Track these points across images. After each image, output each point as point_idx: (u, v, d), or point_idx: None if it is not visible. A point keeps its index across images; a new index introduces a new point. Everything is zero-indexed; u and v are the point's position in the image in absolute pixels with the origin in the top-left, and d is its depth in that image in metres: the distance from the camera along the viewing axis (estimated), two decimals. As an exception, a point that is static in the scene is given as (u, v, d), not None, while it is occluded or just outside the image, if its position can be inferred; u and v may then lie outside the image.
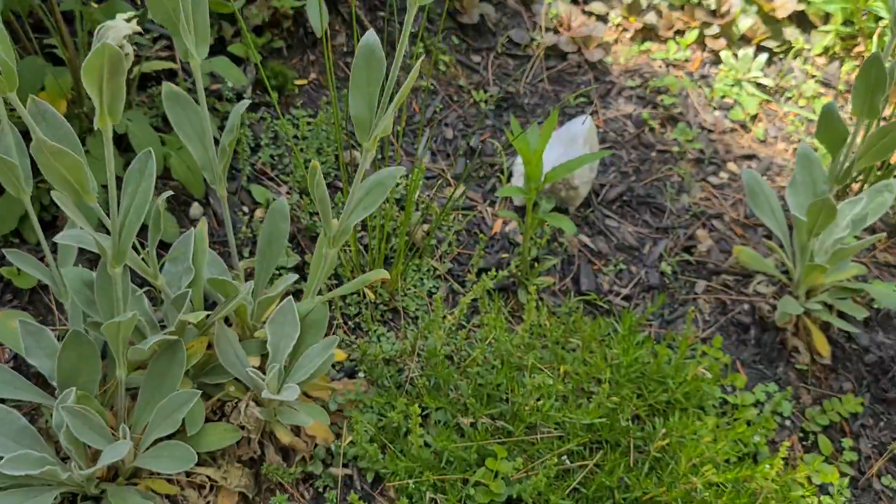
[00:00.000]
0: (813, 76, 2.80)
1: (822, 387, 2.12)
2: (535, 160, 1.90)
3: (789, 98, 2.74)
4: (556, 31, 2.76)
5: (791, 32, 2.85)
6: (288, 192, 2.16)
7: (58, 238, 1.33)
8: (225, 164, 1.60)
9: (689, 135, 2.56)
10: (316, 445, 1.72)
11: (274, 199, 2.08)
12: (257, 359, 1.64)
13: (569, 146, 2.27)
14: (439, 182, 2.34)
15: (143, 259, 1.47)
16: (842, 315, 2.14)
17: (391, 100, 1.29)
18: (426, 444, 1.72)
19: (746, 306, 2.18)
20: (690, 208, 2.40)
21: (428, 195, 2.22)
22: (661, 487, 1.68)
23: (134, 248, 1.46)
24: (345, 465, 1.75)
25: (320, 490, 1.71)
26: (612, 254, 2.28)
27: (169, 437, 1.48)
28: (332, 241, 1.50)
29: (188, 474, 1.58)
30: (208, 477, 1.59)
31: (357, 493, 1.71)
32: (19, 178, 1.44)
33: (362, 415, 1.76)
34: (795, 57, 2.85)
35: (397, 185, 2.26)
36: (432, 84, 2.53)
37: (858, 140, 1.81)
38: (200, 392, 1.46)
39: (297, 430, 1.70)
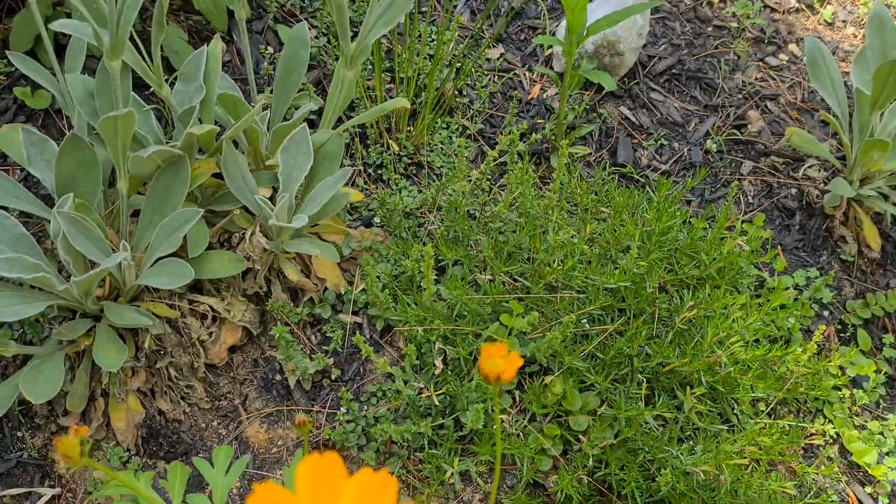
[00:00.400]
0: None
1: (867, 281, 1.99)
2: (579, 7, 1.76)
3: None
4: None
5: None
6: (316, 37, 2.04)
7: (54, 25, 1.25)
8: (243, -20, 1.50)
9: (750, 10, 2.37)
10: (326, 289, 1.66)
11: (300, 42, 1.97)
12: (268, 190, 1.56)
13: (618, 8, 2.10)
14: (469, 37, 2.20)
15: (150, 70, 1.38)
16: (897, 207, 1.99)
17: None
18: (440, 297, 1.65)
19: (794, 190, 2.04)
20: (744, 88, 2.23)
21: (462, 51, 2.09)
22: (684, 359, 1.59)
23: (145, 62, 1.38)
24: (354, 313, 1.68)
25: (328, 335, 1.65)
26: (654, 128, 2.14)
27: (171, 254, 1.42)
28: (350, 62, 1.40)
29: (191, 302, 1.53)
30: (211, 307, 1.53)
31: (365, 339, 1.65)
32: (22, -29, 1.35)
33: (377, 263, 1.69)
34: (877, -62, 2.60)
35: (431, 39, 2.13)
36: (477, -62, 2.37)
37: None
38: (203, 210, 1.40)
39: (306, 271, 1.64)
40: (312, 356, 1.59)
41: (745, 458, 1.58)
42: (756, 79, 2.26)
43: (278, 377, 1.62)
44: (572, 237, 1.66)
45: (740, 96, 2.22)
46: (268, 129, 1.62)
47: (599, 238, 1.77)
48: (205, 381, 1.58)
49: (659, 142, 2.11)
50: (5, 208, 1.46)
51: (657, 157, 2.09)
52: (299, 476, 0.62)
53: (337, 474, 0.62)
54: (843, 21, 2.44)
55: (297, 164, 1.49)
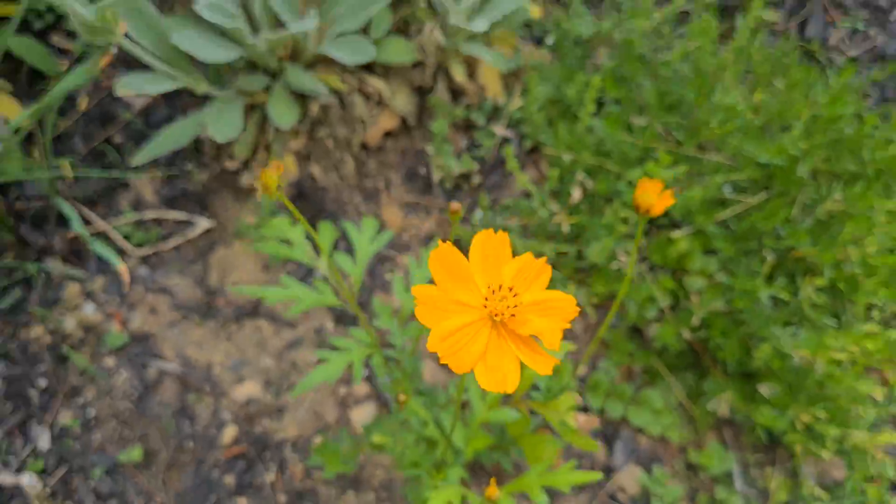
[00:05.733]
0: None
1: None
2: None
3: None
4: None
5: None
6: None
7: None
8: None
9: None
10: (485, 99, 1.71)
11: None
12: (454, -12, 1.58)
13: None
14: None
15: None
16: None
17: None
18: (592, 132, 1.68)
19: (984, 108, 1.91)
20: (966, -15, 2.05)
21: None
22: (814, 248, 1.59)
23: None
24: (509, 126, 1.73)
25: (477, 142, 1.72)
26: (854, 9, 2.01)
27: (354, 35, 1.49)
28: None
29: (360, 81, 1.61)
30: (377, 89, 1.61)
31: (513, 153, 1.71)
32: None
33: (539, 83, 1.72)
34: None
35: None
36: None
37: None
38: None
39: (471, 74, 1.68)
40: (458, 158, 1.67)
41: (843, 354, 1.61)
42: (983, -22, 2.06)
43: (422, 171, 1.71)
44: (739, 102, 1.63)
45: (959, -6, 2.04)
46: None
47: (765, 110, 1.73)
48: (356, 158, 1.68)
49: (855, 24, 1.99)
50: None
51: (847, 40, 1.98)
52: (475, 246, 0.70)
53: (503, 250, 0.70)
54: None
55: (489, -32, 1.50)
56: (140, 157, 1.45)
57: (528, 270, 0.69)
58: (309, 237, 1.44)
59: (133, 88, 1.27)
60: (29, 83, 1.74)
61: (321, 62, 1.58)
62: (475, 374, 0.65)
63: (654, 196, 0.90)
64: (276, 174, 0.86)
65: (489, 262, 0.69)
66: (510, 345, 0.66)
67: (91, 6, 1.13)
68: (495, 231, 0.72)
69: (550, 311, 0.68)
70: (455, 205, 1.08)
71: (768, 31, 1.96)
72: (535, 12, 1.68)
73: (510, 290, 0.66)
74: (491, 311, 0.65)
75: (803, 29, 1.97)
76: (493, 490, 0.98)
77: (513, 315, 0.65)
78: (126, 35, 1.29)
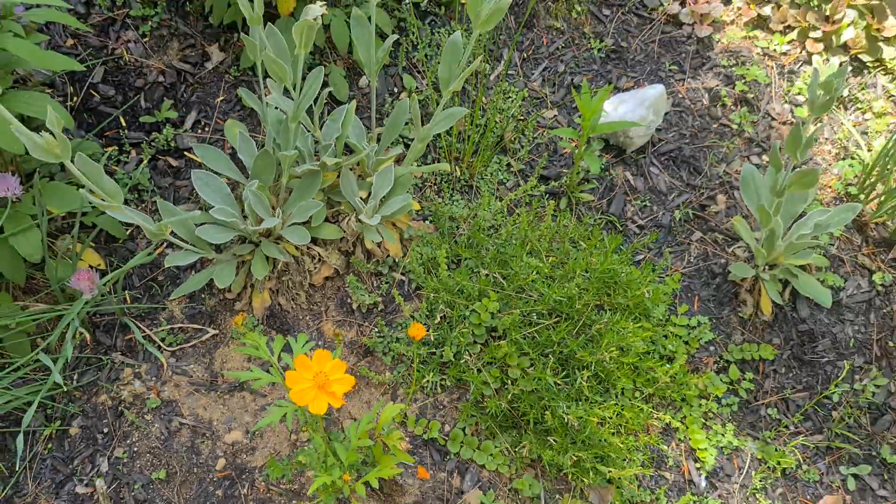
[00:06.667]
0: (891, 96, 3.27)
1: (756, 335, 2.87)
2: (589, 115, 2.69)
3: (857, 109, 3.25)
4: (682, 3, 3.36)
5: (889, 52, 3.29)
6: (426, 86, 3.05)
7: (268, 99, 2.33)
8: (377, 68, 2.53)
9: (752, 118, 3.18)
10: (388, 255, 2.74)
11: (416, 88, 3.00)
12: (365, 193, 2.63)
13: (637, 105, 2.99)
14: (535, 98, 3.15)
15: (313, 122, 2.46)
16: (794, 290, 2.84)
17: (463, 70, 2.15)
18: (451, 277, 2.69)
19: (723, 260, 2.92)
20: (722, 177, 3.08)
21: (527, 111, 3.05)
22: (586, 352, 2.58)
23: (311, 113, 2.46)
24: (402, 273, 2.76)
25: (383, 283, 2.74)
26: (644, 193, 3.05)
27: (302, 223, 2.53)
28: (420, 140, 2.43)
29: (308, 248, 2.64)
30: (319, 253, 2.65)
31: (402, 292, 2.72)
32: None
33: (422, 247, 2.75)
34: (886, 74, 3.31)
35: (507, 96, 3.09)
36: (562, 25, 3.27)
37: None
38: (325, 203, 2.48)
39: (379, 243, 2.71)
40: (370, 294, 2.69)
41: (597, 419, 2.57)
42: (735, 171, 3.10)
43: (349, 300, 2.73)
44: (540, 262, 2.65)
45: (717, 182, 3.08)
46: (374, 153, 2.68)
47: (569, 265, 2.75)
48: (307, 293, 2.71)
49: (644, 203, 3.02)
50: (218, 173, 2.60)
51: (639, 213, 3.01)
52: (314, 356, 1.70)
53: (327, 357, 1.70)
54: (826, 139, 3.20)
55: (383, 185, 2.55)
56: (174, 295, 2.48)
57: (337, 366, 1.69)
58: (269, 343, 2.44)
59: (175, 262, 2.32)
60: (105, 241, 2.80)
61: (284, 238, 2.62)
62: (308, 407, 1.63)
63: (417, 331, 1.88)
64: (241, 319, 1.83)
65: (320, 361, 1.69)
66: (324, 395, 1.65)
67: (152, 222, 2.18)
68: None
69: (342, 383, 1.67)
70: (338, 331, 2.08)
71: (586, 207, 2.99)
72: (416, 206, 2.73)
73: (325, 374, 1.66)
74: (315, 383, 1.65)
75: (610, 205, 3.01)
76: (346, 476, 1.95)
77: (324, 384, 1.65)
78: (171, 232, 2.34)
